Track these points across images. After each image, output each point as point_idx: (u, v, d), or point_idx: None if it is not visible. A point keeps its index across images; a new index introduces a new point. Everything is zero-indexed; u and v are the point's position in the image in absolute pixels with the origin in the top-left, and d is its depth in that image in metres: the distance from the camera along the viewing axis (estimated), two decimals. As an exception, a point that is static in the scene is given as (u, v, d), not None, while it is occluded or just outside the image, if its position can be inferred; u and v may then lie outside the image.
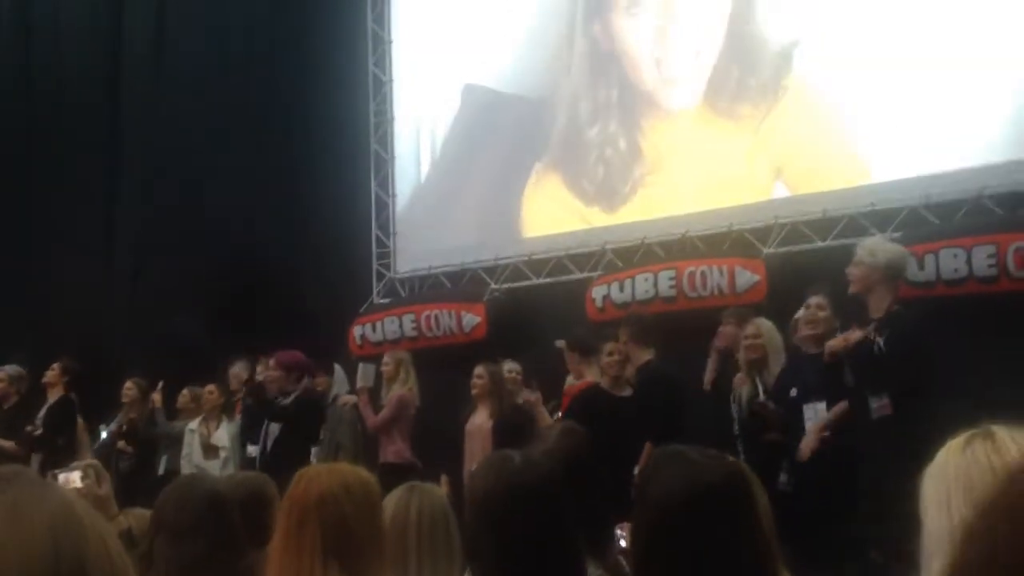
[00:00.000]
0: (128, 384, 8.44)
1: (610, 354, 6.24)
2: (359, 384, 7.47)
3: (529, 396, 6.65)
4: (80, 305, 9.94)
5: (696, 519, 1.88)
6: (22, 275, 10.56)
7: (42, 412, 7.94)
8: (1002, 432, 1.54)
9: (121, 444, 8.21)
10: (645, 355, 6.24)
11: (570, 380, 6.73)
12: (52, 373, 8.09)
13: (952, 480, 1.50)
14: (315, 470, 2.37)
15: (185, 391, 8.39)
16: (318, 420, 7.54)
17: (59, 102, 10.88)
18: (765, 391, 5.71)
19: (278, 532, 2.26)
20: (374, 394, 7.63)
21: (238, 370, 8.34)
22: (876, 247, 5.18)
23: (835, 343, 5.05)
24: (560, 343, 6.84)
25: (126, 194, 10.97)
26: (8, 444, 7.70)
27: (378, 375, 7.58)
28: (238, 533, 2.68)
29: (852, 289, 5.13)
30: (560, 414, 6.33)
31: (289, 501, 2.28)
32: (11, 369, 8.08)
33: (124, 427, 8.26)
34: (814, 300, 5.58)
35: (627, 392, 6.19)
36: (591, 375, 6.47)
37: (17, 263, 10.59)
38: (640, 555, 1.96)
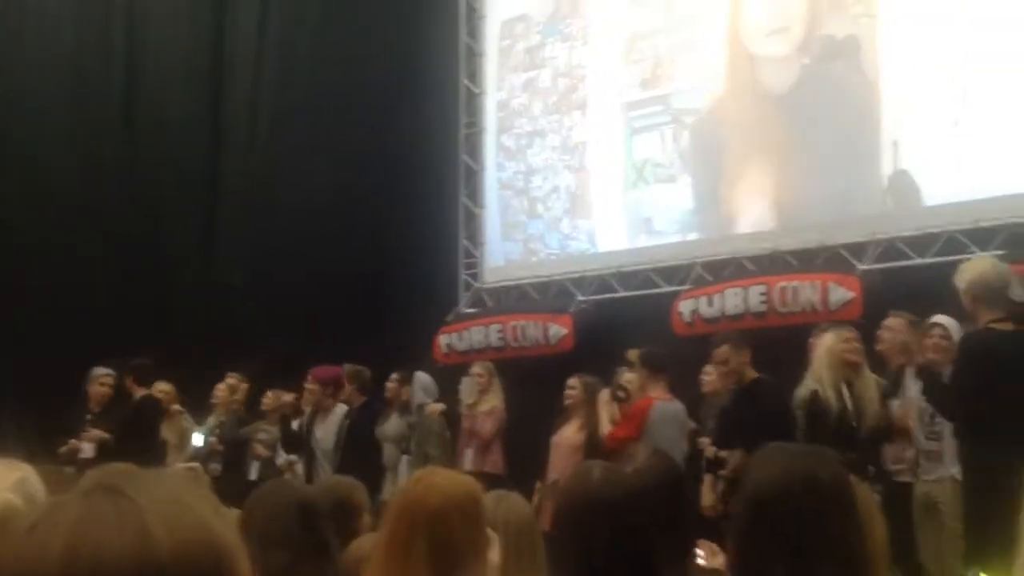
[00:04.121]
0: (220, 385, 8.55)
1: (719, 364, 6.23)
2: (467, 399, 7.55)
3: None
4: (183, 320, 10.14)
5: (792, 509, 1.88)
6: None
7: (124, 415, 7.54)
8: None
9: (212, 441, 8.29)
10: (752, 372, 6.12)
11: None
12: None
13: None
14: (432, 477, 2.35)
15: (269, 393, 8.50)
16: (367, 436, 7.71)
17: (161, 142, 11.02)
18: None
19: (385, 534, 2.26)
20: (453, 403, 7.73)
21: (234, 381, 8.47)
22: (963, 269, 5.02)
23: None
24: (631, 355, 6.77)
25: (228, 194, 11.17)
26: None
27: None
28: (327, 542, 2.70)
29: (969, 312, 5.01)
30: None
31: (401, 506, 2.28)
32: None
33: (218, 431, 8.37)
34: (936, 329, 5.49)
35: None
36: (655, 392, 6.42)
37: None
38: (739, 542, 1.96)
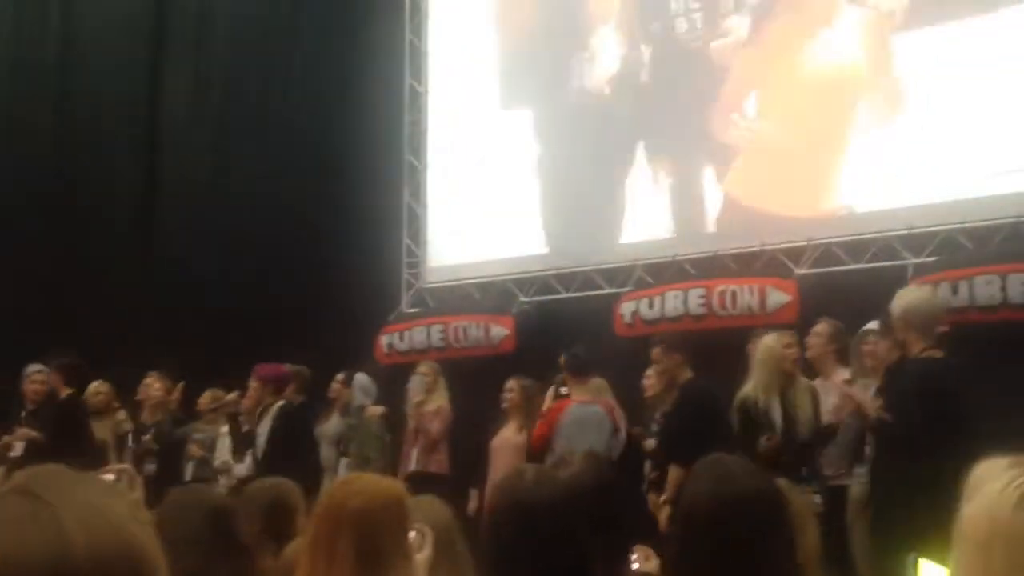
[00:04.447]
0: (153, 383, 8.42)
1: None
2: (416, 397, 7.52)
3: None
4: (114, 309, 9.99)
5: (723, 525, 1.92)
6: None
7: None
8: None
9: (147, 440, 8.17)
10: (686, 373, 6.18)
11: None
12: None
13: (995, 536, 1.40)
14: (353, 481, 2.38)
15: (207, 393, 8.40)
16: (303, 435, 7.62)
17: (97, 151, 10.84)
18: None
19: (309, 537, 2.27)
20: (398, 403, 7.69)
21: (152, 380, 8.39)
22: (898, 296, 5.14)
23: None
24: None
25: (164, 196, 11.04)
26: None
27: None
28: (242, 545, 2.70)
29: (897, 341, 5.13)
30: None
31: (325, 509, 2.28)
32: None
33: (153, 430, 8.26)
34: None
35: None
36: (578, 395, 6.47)
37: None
38: (673, 556, 2.00)
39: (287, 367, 7.89)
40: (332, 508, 2.25)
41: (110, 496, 0.98)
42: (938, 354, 4.89)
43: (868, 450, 5.35)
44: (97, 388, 8.17)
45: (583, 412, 6.39)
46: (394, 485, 2.38)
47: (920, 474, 4.47)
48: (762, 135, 8.01)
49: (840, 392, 5.52)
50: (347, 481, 2.37)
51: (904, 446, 4.76)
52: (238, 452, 7.75)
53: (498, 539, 2.22)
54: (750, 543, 1.93)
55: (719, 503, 1.97)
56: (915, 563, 1.97)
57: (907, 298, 5.12)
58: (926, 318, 5.00)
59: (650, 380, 6.84)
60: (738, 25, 8.18)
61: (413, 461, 7.41)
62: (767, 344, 5.73)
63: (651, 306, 7.95)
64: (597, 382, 6.64)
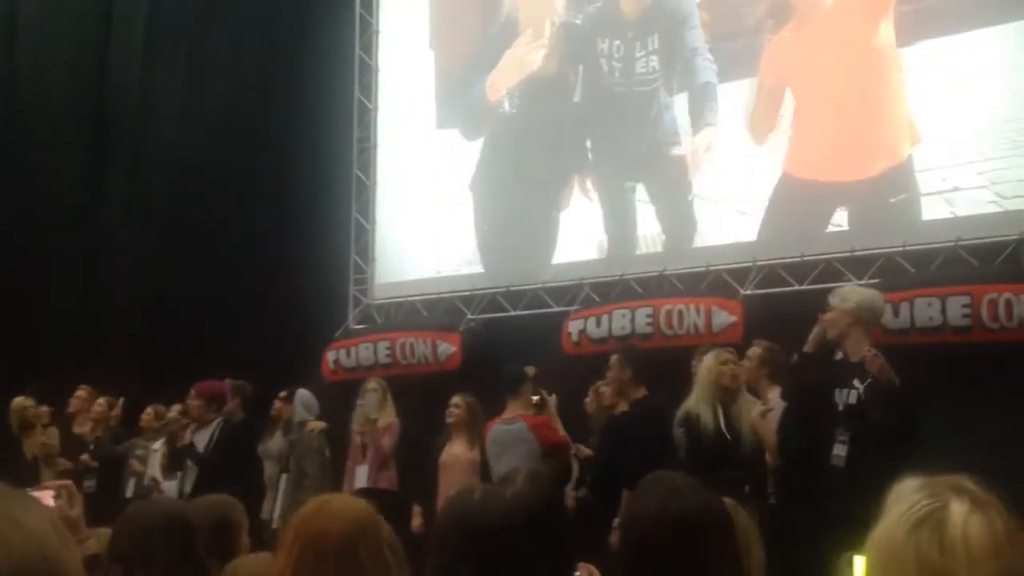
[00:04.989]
0: (86, 396, 8.29)
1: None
2: (373, 414, 7.49)
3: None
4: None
5: (666, 545, 1.94)
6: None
7: None
8: (958, 513, 1.41)
9: (85, 458, 8.05)
10: (639, 391, 6.20)
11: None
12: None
13: (891, 559, 1.44)
14: (330, 507, 2.29)
15: (149, 409, 8.28)
16: (242, 452, 7.58)
17: (45, 143, 10.70)
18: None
19: (286, 560, 2.20)
20: (341, 420, 7.65)
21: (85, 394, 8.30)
22: (847, 292, 5.26)
23: None
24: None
25: (112, 206, 10.91)
26: None
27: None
28: (199, 559, 2.64)
29: (828, 335, 5.19)
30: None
31: (305, 535, 2.22)
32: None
33: (91, 445, 8.13)
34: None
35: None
36: (509, 412, 6.53)
37: None
38: (619, 573, 2.01)
39: (228, 382, 7.83)
40: (313, 534, 2.18)
41: (30, 511, 0.97)
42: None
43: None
44: (20, 403, 8.00)
45: (503, 430, 6.48)
46: (366, 506, 2.34)
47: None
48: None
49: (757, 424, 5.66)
50: (321, 506, 2.29)
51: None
52: (172, 469, 7.67)
53: (441, 557, 2.20)
54: (696, 560, 1.94)
55: (665, 520, 1.98)
56: (850, 561, 2.00)
57: (862, 294, 5.20)
58: (875, 314, 5.12)
59: (589, 399, 6.94)
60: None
61: (361, 478, 7.34)
62: (705, 362, 5.90)
63: (599, 324, 7.99)
64: (534, 399, 6.69)
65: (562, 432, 6.64)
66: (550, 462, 6.28)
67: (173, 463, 7.72)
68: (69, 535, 1.03)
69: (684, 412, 5.74)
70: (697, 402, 5.74)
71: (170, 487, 7.48)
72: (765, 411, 5.73)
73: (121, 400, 8.30)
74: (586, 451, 6.56)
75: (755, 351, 6.11)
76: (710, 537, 1.98)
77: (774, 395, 5.90)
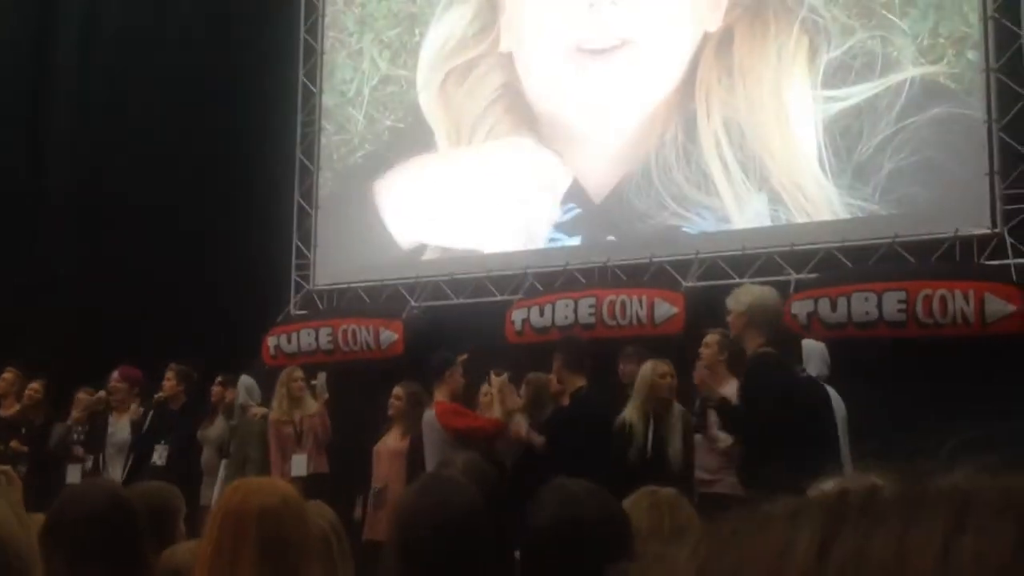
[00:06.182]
0: (12, 378, 8.18)
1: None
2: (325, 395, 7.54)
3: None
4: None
5: (567, 549, 1.95)
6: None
7: None
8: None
9: (15, 444, 7.90)
10: (578, 381, 6.21)
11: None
12: None
13: None
14: (251, 484, 2.35)
15: (80, 393, 8.15)
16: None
17: None
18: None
19: (209, 542, 2.20)
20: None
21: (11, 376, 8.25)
22: (740, 294, 5.16)
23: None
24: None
25: (52, 190, 10.72)
26: None
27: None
28: (140, 548, 2.61)
29: (732, 335, 5.25)
30: None
31: (224, 512, 2.23)
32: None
33: (24, 429, 7.98)
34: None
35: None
36: (437, 396, 6.61)
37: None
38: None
39: (173, 366, 7.84)
40: (233, 511, 2.20)
41: None
42: (771, 350, 4.92)
43: None
44: None
45: (425, 418, 6.55)
46: (288, 485, 2.37)
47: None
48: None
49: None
50: (240, 485, 2.33)
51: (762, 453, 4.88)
52: (88, 450, 7.73)
53: (402, 552, 2.20)
54: (594, 566, 1.94)
55: (563, 527, 1.99)
56: None
57: (754, 294, 5.12)
58: (768, 315, 5.02)
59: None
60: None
61: (302, 465, 7.29)
62: (643, 372, 5.93)
63: (542, 314, 8.01)
64: (458, 382, 6.78)
65: (486, 417, 6.55)
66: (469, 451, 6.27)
67: (90, 444, 7.77)
68: (27, 518, 1.02)
69: (619, 421, 5.83)
70: (631, 412, 5.82)
71: (86, 467, 7.53)
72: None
73: (38, 383, 8.20)
74: (538, 438, 6.34)
75: (713, 337, 6.07)
76: (608, 542, 1.97)
77: (732, 387, 5.61)
